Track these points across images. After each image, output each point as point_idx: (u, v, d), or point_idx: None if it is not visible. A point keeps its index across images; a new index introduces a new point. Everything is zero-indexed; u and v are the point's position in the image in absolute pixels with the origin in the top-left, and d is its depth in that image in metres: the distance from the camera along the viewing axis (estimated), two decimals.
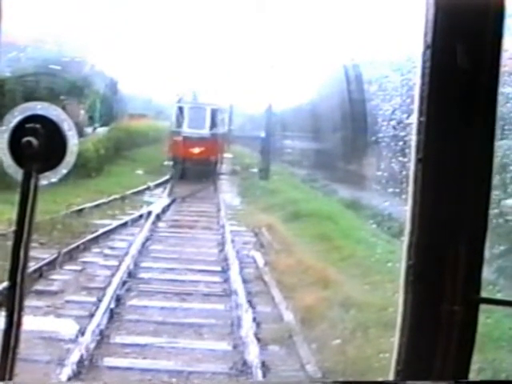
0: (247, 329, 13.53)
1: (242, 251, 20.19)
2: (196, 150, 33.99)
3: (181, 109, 35.09)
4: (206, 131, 34.74)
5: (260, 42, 29.18)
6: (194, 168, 33.67)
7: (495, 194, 3.08)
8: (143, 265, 18.29)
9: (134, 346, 12.75)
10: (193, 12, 24.05)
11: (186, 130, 34.27)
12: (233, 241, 21.30)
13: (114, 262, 17.92)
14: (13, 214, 2.86)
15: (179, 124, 34.59)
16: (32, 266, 14.65)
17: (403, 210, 3.20)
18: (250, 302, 15.17)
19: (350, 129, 22.86)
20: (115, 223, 22.55)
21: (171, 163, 34.37)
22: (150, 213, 24.71)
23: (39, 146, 2.84)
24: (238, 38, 29.83)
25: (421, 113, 2.97)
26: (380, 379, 4.33)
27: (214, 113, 35.33)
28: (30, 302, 13.32)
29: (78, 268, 17.37)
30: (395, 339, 3.05)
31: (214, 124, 35.26)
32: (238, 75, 35.82)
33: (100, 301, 14.58)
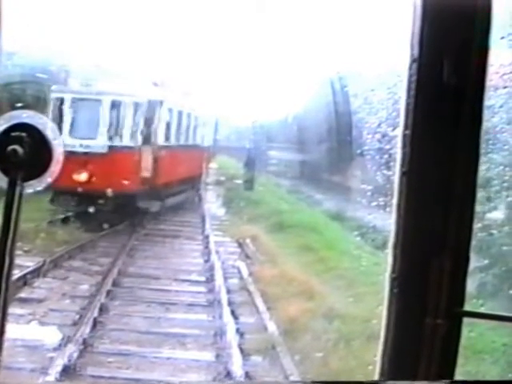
0: (231, 339, 13.52)
1: (226, 262, 20.19)
2: (81, 177, 21.06)
3: (60, 102, 22.07)
4: (100, 142, 21.84)
5: (248, 53, 29.05)
6: (80, 209, 21.35)
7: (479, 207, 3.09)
8: (128, 273, 18.25)
9: (118, 355, 12.73)
10: (183, 19, 24.06)
11: (67, 139, 20.07)
12: (217, 252, 21.27)
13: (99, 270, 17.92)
14: None
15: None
16: (16, 273, 14.59)
17: (387, 222, 3.21)
18: (233, 313, 15.17)
19: (335, 141, 22.91)
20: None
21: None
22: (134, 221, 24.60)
23: (25, 155, 2.83)
24: (227, 49, 29.51)
25: (406, 126, 2.98)
26: None
27: (118, 108, 22.42)
28: (13, 309, 13.28)
29: (62, 276, 17.31)
30: (378, 351, 3.06)
31: (118, 129, 22.36)
32: (226, 85, 34.05)
33: (84, 309, 14.55)
